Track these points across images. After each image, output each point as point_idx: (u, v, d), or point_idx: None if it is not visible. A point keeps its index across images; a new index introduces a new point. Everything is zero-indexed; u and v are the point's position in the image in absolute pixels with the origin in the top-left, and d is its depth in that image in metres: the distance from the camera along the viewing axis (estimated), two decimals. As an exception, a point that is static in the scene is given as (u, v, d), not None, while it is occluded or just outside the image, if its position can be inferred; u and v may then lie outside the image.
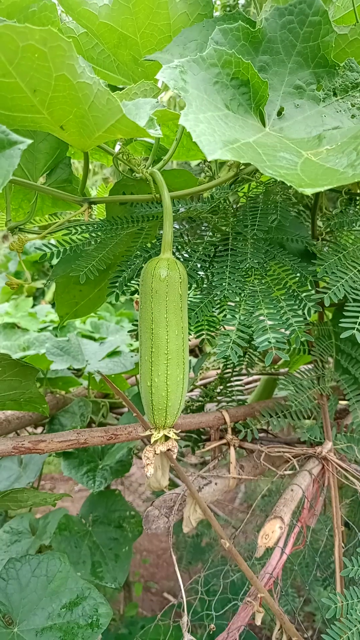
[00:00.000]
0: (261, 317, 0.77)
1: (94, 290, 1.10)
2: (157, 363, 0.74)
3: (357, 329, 0.70)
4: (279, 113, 0.75)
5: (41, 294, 3.84)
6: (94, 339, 2.35)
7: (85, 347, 1.69)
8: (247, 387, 2.07)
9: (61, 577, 0.98)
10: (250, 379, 2.10)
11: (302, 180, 0.59)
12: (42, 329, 2.60)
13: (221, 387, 1.35)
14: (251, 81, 0.68)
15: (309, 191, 0.57)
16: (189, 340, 1.33)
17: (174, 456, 0.81)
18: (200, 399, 1.42)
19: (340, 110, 0.75)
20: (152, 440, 0.78)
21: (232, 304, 0.80)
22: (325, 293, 0.75)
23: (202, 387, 1.50)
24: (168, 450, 0.79)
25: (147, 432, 0.79)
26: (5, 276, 3.85)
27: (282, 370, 1.74)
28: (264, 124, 0.73)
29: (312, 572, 1.66)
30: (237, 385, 1.35)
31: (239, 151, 0.59)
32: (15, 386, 0.92)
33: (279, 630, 1.02)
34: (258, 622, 0.98)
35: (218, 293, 0.79)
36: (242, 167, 0.80)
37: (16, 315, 2.66)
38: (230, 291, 0.79)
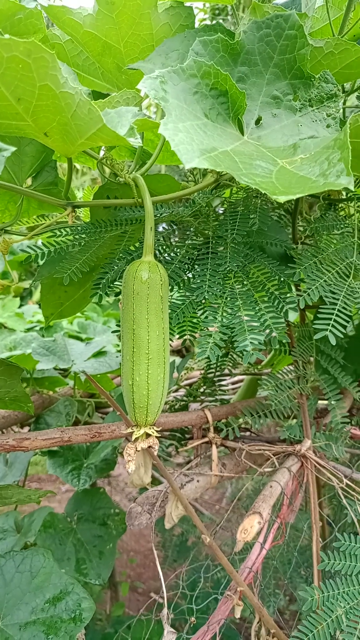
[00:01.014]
0: (241, 319, 0.80)
1: (79, 291, 1.12)
2: (139, 362, 0.77)
3: (331, 331, 0.73)
4: (257, 122, 0.77)
5: (28, 294, 3.84)
6: (81, 339, 2.36)
7: (71, 347, 1.70)
8: (232, 387, 2.10)
9: (45, 572, 1.00)
10: (236, 379, 2.13)
11: (276, 188, 0.62)
12: (28, 329, 2.61)
13: (204, 387, 1.38)
14: (229, 91, 0.71)
15: (282, 199, 0.59)
16: (173, 341, 1.36)
17: (155, 453, 0.83)
18: (184, 398, 1.45)
19: (316, 120, 0.78)
20: (134, 437, 0.80)
21: (213, 306, 0.82)
22: (302, 295, 0.78)
23: (186, 387, 1.53)
24: (149, 447, 0.82)
25: (129, 430, 0.81)
26: (-8, 276, 3.84)
27: (265, 370, 1.77)
28: (242, 133, 0.76)
29: (294, 568, 1.69)
30: (220, 385, 1.38)
31: (216, 160, 0.62)
32: (0, 385, 0.94)
33: (257, 623, 1.05)
34: (237, 615, 1.01)
35: (199, 295, 0.82)
36: (223, 173, 0.83)
37: (3, 316, 2.67)
38: (211, 293, 0.81)
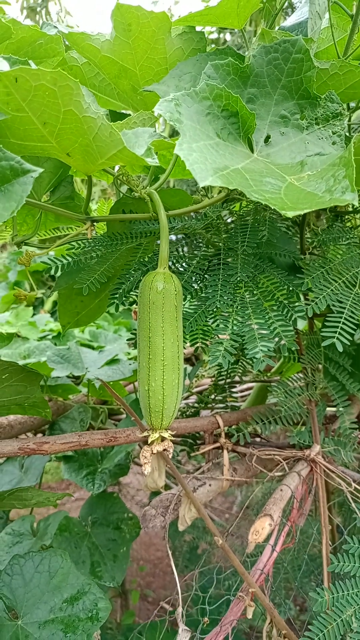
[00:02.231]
0: (251, 327, 0.83)
1: (95, 300, 1.16)
2: (154, 369, 0.81)
3: (337, 338, 0.76)
4: (266, 140, 0.81)
5: (40, 303, 3.90)
6: (93, 348, 2.41)
7: (85, 356, 1.75)
8: (242, 394, 2.13)
9: (63, 573, 1.04)
10: (245, 386, 2.16)
11: (284, 204, 0.66)
12: (41, 338, 2.66)
13: (215, 393, 1.41)
14: (240, 112, 0.75)
15: (290, 214, 0.63)
16: (185, 348, 1.39)
17: (170, 456, 0.87)
18: (196, 405, 1.48)
19: (322, 138, 0.82)
20: (149, 441, 0.84)
21: (225, 315, 0.86)
22: (310, 304, 0.81)
23: (197, 394, 1.56)
24: (164, 450, 0.85)
25: (145, 433, 0.85)
26: (6, 285, 3.91)
27: (274, 378, 1.80)
28: (252, 150, 0.80)
29: (305, 575, 1.71)
30: (231, 392, 1.41)
31: (228, 177, 0.66)
32: (21, 391, 0.98)
33: (269, 624, 1.07)
34: (249, 616, 1.03)
35: (211, 304, 0.86)
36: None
37: (17, 325, 2.72)
38: (222, 302, 0.85)
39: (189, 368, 1.60)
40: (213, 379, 1.49)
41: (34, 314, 3.35)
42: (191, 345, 1.09)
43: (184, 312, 0.91)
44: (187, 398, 1.76)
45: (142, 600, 3.68)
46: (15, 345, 2.44)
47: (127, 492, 3.89)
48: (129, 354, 2.16)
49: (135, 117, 0.75)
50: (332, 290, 0.83)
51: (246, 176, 0.69)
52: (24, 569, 1.02)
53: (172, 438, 0.84)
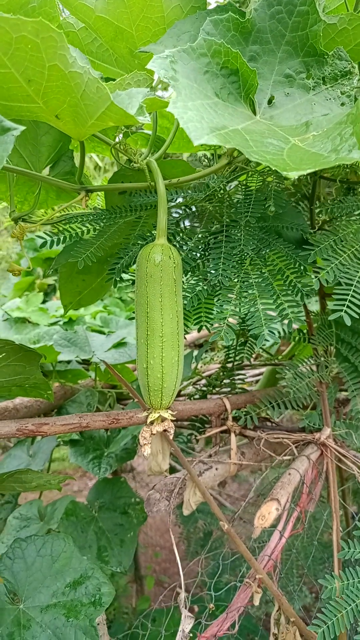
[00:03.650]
0: (258, 308, 0.79)
1: (97, 279, 1.12)
2: (153, 346, 0.77)
3: (346, 312, 0.72)
4: (270, 101, 0.76)
5: (52, 290, 3.88)
6: (104, 333, 2.39)
7: (92, 339, 1.72)
8: (254, 379, 2.09)
9: (65, 557, 1.02)
10: (257, 371, 2.12)
11: (286, 165, 0.61)
12: (52, 324, 2.64)
13: (223, 377, 1.37)
14: (240, 70, 0.70)
15: (292, 174, 0.59)
16: (189, 332, 1.35)
17: (171, 436, 0.83)
18: (203, 388, 1.45)
19: (329, 98, 0.77)
20: (149, 421, 0.80)
21: (229, 294, 0.82)
22: (317, 275, 0.76)
23: (206, 377, 1.53)
24: (165, 430, 0.82)
25: (144, 413, 0.82)
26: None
27: (285, 362, 1.76)
28: (254, 112, 0.75)
29: (318, 559, 1.67)
30: (239, 375, 1.37)
31: (226, 137, 0.61)
32: (20, 371, 0.96)
33: (277, 611, 1.04)
34: (256, 603, 1.00)
35: (213, 279, 0.81)
36: (236, 154, 0.82)
37: (27, 310, 2.71)
38: (225, 277, 0.81)
39: (196, 352, 1.56)
40: (221, 362, 1.45)
41: (45, 301, 3.33)
42: (195, 325, 1.05)
43: (185, 289, 0.87)
44: (195, 382, 1.72)
45: (157, 586, 3.70)
46: (25, 330, 2.43)
47: (142, 479, 3.89)
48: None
49: (129, 77, 0.71)
50: (340, 262, 0.78)
51: (246, 137, 0.64)
52: (26, 553, 1.00)
53: (173, 418, 0.80)
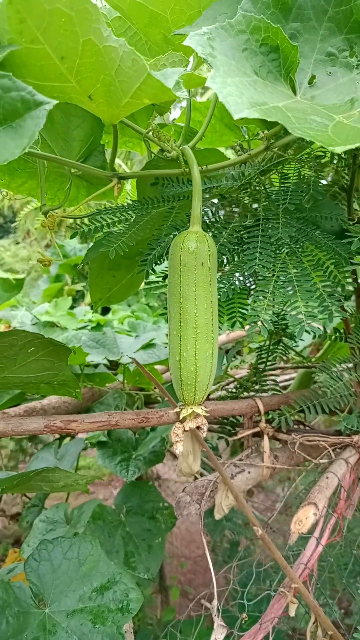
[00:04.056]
0: (295, 295, 0.75)
1: (127, 275, 1.10)
2: (186, 337, 0.73)
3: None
4: (310, 81, 0.73)
5: (81, 296, 3.90)
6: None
7: (120, 341, 1.70)
8: (285, 384, 2.03)
9: (92, 560, 0.98)
10: (287, 376, 2.06)
11: (332, 140, 0.58)
12: (80, 328, 2.64)
13: (255, 378, 1.32)
14: (281, 46, 0.67)
15: (339, 149, 0.55)
16: (222, 329, 1.31)
17: (204, 435, 0.80)
18: (235, 390, 1.40)
19: (374, 77, 0.73)
20: (181, 417, 0.77)
21: (264, 289, 0.78)
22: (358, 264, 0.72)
23: (237, 379, 1.48)
24: (197, 427, 0.78)
25: (176, 409, 0.78)
26: (47, 279, 3.93)
27: (319, 363, 1.70)
28: (294, 92, 0.72)
29: (351, 572, 1.60)
30: (271, 377, 1.32)
31: (267, 112, 0.58)
32: (48, 367, 0.93)
33: (313, 623, 0.98)
34: (292, 614, 0.95)
35: (249, 268, 0.78)
36: (273, 140, 0.79)
37: (55, 315, 2.71)
38: (261, 265, 0.77)
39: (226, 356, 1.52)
40: (252, 365, 1.41)
41: (73, 307, 3.34)
42: (228, 322, 1.01)
43: (219, 281, 0.84)
44: (226, 385, 1.68)
45: (182, 597, 3.62)
46: (54, 334, 2.43)
47: (167, 487, 3.84)
48: (166, 344, 2.10)
49: (164, 58, 0.69)
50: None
51: (288, 114, 0.61)
52: (52, 555, 0.97)
53: (206, 414, 0.77)
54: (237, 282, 0.81)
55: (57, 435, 1.78)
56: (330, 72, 0.73)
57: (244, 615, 0.95)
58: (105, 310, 3.38)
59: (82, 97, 0.64)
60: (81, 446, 1.52)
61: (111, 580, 0.98)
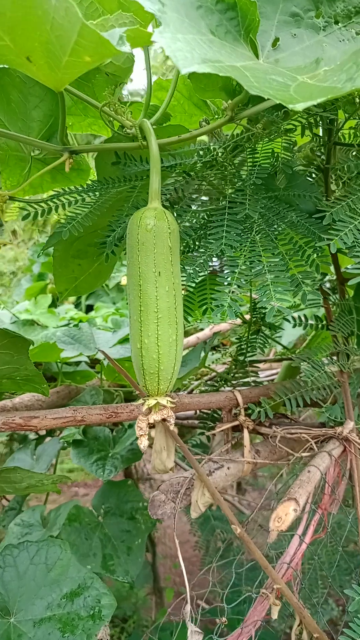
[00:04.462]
0: (264, 274, 0.70)
1: (94, 264, 1.04)
2: (147, 323, 0.68)
3: (368, 276, 0.62)
4: (274, 44, 0.68)
5: (65, 295, 3.83)
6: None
7: (97, 336, 1.64)
8: (269, 378, 1.98)
9: (62, 565, 0.93)
10: (273, 371, 2.01)
11: (293, 98, 0.52)
12: (62, 326, 2.57)
13: (235, 369, 1.27)
14: (238, 4, 0.62)
15: (300, 106, 0.50)
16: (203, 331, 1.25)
17: (172, 426, 0.74)
18: (215, 384, 1.35)
19: (343, 40, 0.68)
20: (144, 409, 0.71)
21: (231, 261, 0.72)
22: (332, 239, 0.67)
23: (217, 373, 1.43)
24: (164, 420, 0.73)
25: (140, 401, 0.73)
26: (30, 278, 3.87)
27: (302, 353, 1.65)
28: (257, 56, 0.66)
29: (344, 569, 1.55)
30: (252, 368, 1.27)
31: (221, 69, 0.52)
32: (7, 360, 0.88)
33: (298, 625, 0.93)
34: (274, 616, 0.90)
35: (215, 248, 0.72)
36: (238, 110, 0.73)
37: (35, 313, 2.65)
38: (228, 245, 0.72)
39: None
40: (233, 356, 1.36)
41: (56, 305, 3.28)
42: (199, 308, 0.96)
43: (183, 264, 0.78)
44: (209, 379, 1.63)
45: (176, 597, 3.57)
46: (34, 333, 2.36)
47: (159, 487, 3.77)
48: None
49: (112, 19, 0.63)
50: (359, 222, 0.68)
51: (246, 73, 0.56)
52: (18, 561, 0.91)
53: (172, 405, 0.71)
54: (203, 264, 0.75)
55: (35, 435, 1.72)
56: (295, 34, 0.68)
57: (224, 619, 0.90)
58: (89, 309, 3.32)
59: (20, 58, 0.58)
60: (58, 446, 1.46)
61: (82, 585, 0.92)
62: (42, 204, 0.78)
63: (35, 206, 0.77)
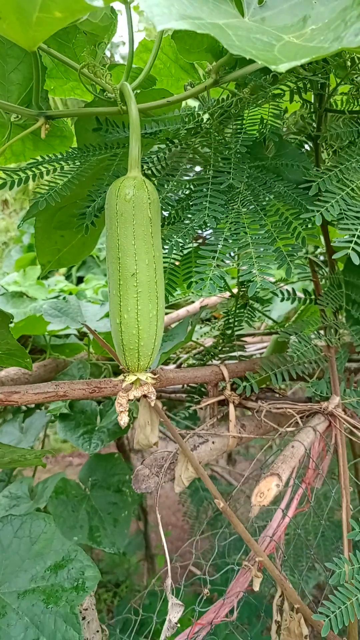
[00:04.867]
0: (246, 242, 0.67)
1: (77, 235, 1.01)
2: (126, 297, 0.66)
3: (354, 249, 0.60)
4: (260, 1, 0.64)
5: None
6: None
7: (85, 309, 1.62)
8: (258, 352, 1.98)
9: (46, 538, 0.93)
10: (264, 344, 2.01)
11: (276, 59, 0.49)
12: (51, 299, 2.54)
13: (223, 344, 1.26)
14: None
15: (283, 67, 0.47)
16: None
17: (152, 402, 0.73)
18: (203, 358, 1.34)
19: (334, -4, 0.64)
20: (124, 385, 0.70)
21: (216, 233, 0.70)
22: (319, 210, 0.64)
23: (205, 347, 1.42)
24: (144, 396, 0.71)
25: (120, 377, 0.71)
26: (20, 249, 3.81)
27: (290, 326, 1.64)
28: (242, 14, 0.62)
29: (331, 539, 1.58)
30: (240, 342, 1.26)
31: (200, 25, 0.49)
32: (-13, 335, 0.85)
33: (280, 597, 0.94)
34: (256, 588, 0.91)
35: (197, 219, 0.70)
36: (223, 73, 0.70)
37: (24, 284, 2.61)
38: (211, 216, 0.69)
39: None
40: (220, 329, 1.34)
41: (47, 277, 3.23)
42: (184, 282, 0.94)
43: (166, 238, 0.76)
44: (198, 352, 1.61)
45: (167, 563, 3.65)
46: (22, 305, 2.34)
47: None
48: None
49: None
50: (347, 192, 0.65)
51: (228, 31, 0.52)
52: (2, 534, 0.91)
53: (153, 382, 0.70)
54: (186, 236, 0.72)
55: (24, 408, 1.71)
56: (283, -10, 0.64)
57: (206, 590, 0.91)
58: (80, 281, 3.28)
59: (-12, 14, 0.54)
60: (45, 419, 1.46)
61: (66, 558, 0.92)
62: (20, 173, 0.75)
63: (13, 175, 0.74)
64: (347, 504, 0.97)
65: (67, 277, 3.49)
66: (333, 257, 0.62)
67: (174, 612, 0.77)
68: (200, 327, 1.59)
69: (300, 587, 1.29)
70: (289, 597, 0.93)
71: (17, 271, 3.22)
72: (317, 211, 0.63)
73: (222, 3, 0.60)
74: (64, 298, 2.55)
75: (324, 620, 0.78)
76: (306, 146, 1.04)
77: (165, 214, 0.79)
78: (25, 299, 2.37)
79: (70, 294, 2.58)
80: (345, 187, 0.66)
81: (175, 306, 2.17)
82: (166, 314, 2.00)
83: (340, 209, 0.64)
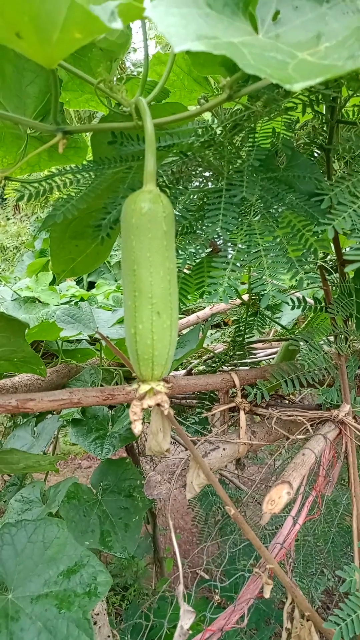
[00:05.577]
0: (260, 259, 0.68)
1: (92, 244, 1.03)
2: (141, 309, 0.67)
3: (366, 262, 0.60)
4: (274, 17, 0.65)
5: (67, 271, 3.82)
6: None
7: (97, 315, 1.63)
8: (268, 359, 1.98)
9: (59, 543, 0.94)
10: (273, 350, 2.01)
11: (291, 78, 0.50)
12: (63, 304, 2.57)
13: (234, 351, 1.27)
14: (237, -25, 0.59)
15: (297, 86, 0.48)
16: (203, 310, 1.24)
17: (166, 412, 0.74)
18: (213, 365, 1.35)
19: (347, 12, 0.65)
20: (138, 394, 0.71)
21: (228, 242, 0.71)
22: (331, 223, 0.65)
23: (215, 353, 1.43)
24: (158, 405, 0.72)
25: (134, 386, 0.72)
26: (31, 254, 3.84)
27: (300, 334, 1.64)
28: (256, 30, 0.64)
29: (335, 545, 1.58)
30: (250, 349, 1.27)
31: (216, 46, 0.50)
32: (4, 342, 0.87)
33: (290, 604, 0.95)
34: (267, 595, 0.91)
35: (210, 231, 0.71)
36: (237, 87, 0.71)
37: (36, 290, 2.64)
38: (224, 228, 0.70)
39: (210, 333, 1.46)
40: (231, 337, 1.35)
41: (58, 282, 3.26)
42: (196, 291, 0.95)
43: (178, 247, 0.77)
44: (208, 359, 1.62)
45: (176, 568, 3.65)
46: (35, 310, 2.36)
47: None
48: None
49: (106, -9, 0.60)
50: (359, 206, 0.66)
51: (243, 50, 0.53)
52: (16, 539, 0.93)
53: (167, 391, 0.71)
54: (200, 247, 0.74)
55: (37, 413, 1.73)
56: (297, 6, 0.65)
57: (217, 597, 0.91)
58: (91, 286, 3.30)
59: (10, 34, 0.56)
60: (57, 424, 1.47)
61: (78, 563, 0.94)
62: (36, 185, 0.76)
63: (29, 187, 0.76)
64: (358, 512, 0.97)
65: (78, 282, 3.52)
66: (345, 270, 0.63)
67: (186, 619, 0.78)
68: (211, 334, 1.60)
69: (310, 592, 1.29)
70: (300, 605, 0.93)
71: (29, 276, 3.25)
72: (329, 224, 0.64)
73: (236, 20, 0.61)
74: (76, 303, 2.58)
75: (335, 629, 0.79)
76: (315, 153, 1.05)
77: (179, 225, 0.81)
78: (37, 304, 2.39)
79: (82, 299, 2.61)
80: (357, 200, 0.67)
81: (186, 312, 2.19)
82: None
83: (353, 222, 0.65)
